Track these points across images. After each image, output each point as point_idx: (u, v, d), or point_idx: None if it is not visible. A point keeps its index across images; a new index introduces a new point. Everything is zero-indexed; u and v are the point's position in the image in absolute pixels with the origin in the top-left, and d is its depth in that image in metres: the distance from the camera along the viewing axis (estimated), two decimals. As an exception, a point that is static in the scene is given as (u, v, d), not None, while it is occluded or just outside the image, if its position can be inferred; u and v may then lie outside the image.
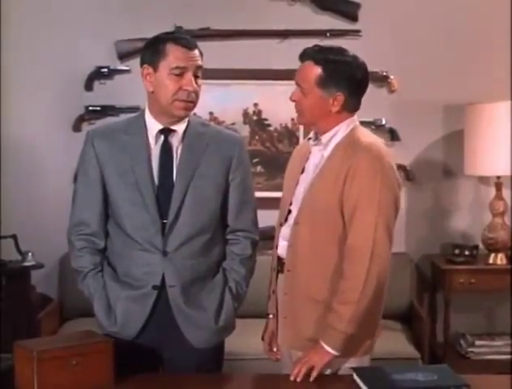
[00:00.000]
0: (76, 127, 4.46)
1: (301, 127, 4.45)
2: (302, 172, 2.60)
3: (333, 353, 2.43)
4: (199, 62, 2.52)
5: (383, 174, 2.44)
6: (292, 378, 2.41)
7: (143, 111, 2.61)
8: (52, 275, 4.43)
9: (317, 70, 2.49)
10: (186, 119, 2.58)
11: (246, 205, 2.67)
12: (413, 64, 4.48)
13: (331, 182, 2.46)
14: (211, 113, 4.45)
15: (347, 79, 2.49)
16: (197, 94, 2.53)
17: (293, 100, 2.55)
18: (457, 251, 4.36)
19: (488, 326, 4.59)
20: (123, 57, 4.44)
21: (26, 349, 2.32)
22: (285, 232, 2.59)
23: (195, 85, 2.50)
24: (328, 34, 4.40)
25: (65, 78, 4.45)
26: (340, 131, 2.53)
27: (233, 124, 4.46)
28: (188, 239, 2.54)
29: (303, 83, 2.51)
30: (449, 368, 2.45)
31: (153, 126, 2.57)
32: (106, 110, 4.45)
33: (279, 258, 2.62)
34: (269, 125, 4.56)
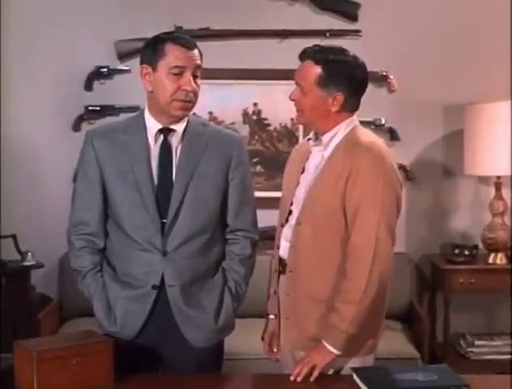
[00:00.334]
0: (76, 127, 4.46)
1: (301, 127, 4.45)
2: (302, 172, 2.60)
3: (335, 353, 2.43)
4: (198, 62, 2.52)
5: (385, 174, 2.44)
6: (292, 378, 2.41)
7: (143, 111, 2.61)
8: (51, 275, 4.43)
9: (317, 70, 2.49)
10: (186, 119, 2.58)
11: (246, 205, 2.67)
12: (413, 64, 4.48)
13: (333, 183, 2.46)
14: (210, 113, 4.45)
15: (346, 78, 2.49)
16: (195, 94, 2.52)
17: (293, 100, 2.55)
18: (457, 251, 4.36)
19: (488, 326, 4.59)
20: (123, 57, 4.43)
21: (26, 349, 2.32)
22: (287, 232, 2.59)
23: (194, 85, 2.50)
24: (328, 34, 4.40)
25: (65, 78, 4.45)
26: (340, 131, 2.53)
27: (233, 124, 4.46)
28: (187, 239, 2.54)
29: (303, 83, 2.51)
30: (449, 368, 2.45)
31: (152, 125, 2.57)
32: (106, 110, 4.45)
33: (281, 259, 2.62)
34: (269, 124, 4.56)
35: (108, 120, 4.20)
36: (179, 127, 2.57)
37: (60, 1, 4.45)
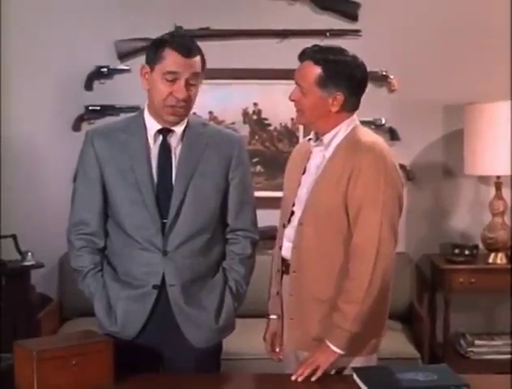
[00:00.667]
0: (76, 127, 4.46)
1: (301, 127, 4.45)
2: (303, 172, 2.60)
3: (338, 352, 2.43)
4: (196, 70, 2.50)
5: (387, 173, 2.45)
6: (293, 378, 2.41)
7: (142, 110, 2.61)
8: (52, 275, 4.43)
9: (317, 70, 2.49)
10: (186, 119, 2.58)
11: (246, 204, 2.67)
12: (413, 64, 4.48)
13: (334, 183, 2.46)
14: (210, 113, 4.45)
15: (346, 78, 2.49)
16: (188, 101, 2.51)
17: (292, 100, 2.56)
18: (457, 251, 4.36)
19: (488, 325, 4.59)
20: (123, 56, 4.44)
21: (26, 349, 2.32)
22: (289, 233, 2.59)
23: (186, 93, 2.49)
24: (328, 34, 4.40)
25: (65, 78, 4.46)
26: (341, 131, 2.54)
27: (233, 123, 4.46)
28: (188, 238, 2.54)
29: (302, 83, 2.51)
30: (449, 368, 2.45)
31: (152, 125, 2.57)
32: (106, 110, 4.45)
33: (283, 260, 2.62)
34: (269, 124, 4.56)
35: (109, 120, 4.20)
36: (178, 128, 2.57)
37: (60, 1, 4.45)
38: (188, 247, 2.55)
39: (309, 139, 2.62)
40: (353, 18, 4.46)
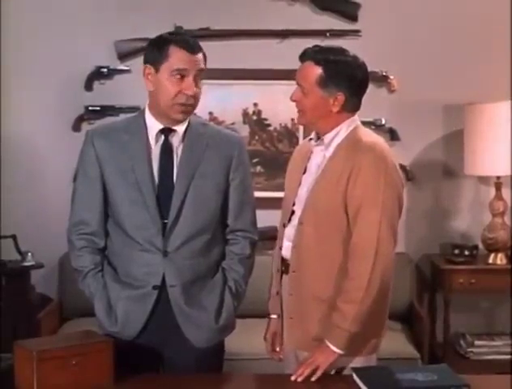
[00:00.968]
0: (76, 127, 4.46)
1: (301, 127, 4.45)
2: (304, 172, 2.61)
3: (338, 352, 2.43)
4: (201, 66, 2.51)
5: (387, 173, 2.45)
6: (293, 378, 2.41)
7: (143, 110, 2.61)
8: (51, 275, 4.43)
9: (318, 70, 2.49)
10: (187, 119, 2.58)
11: (246, 205, 2.67)
12: (413, 64, 4.48)
13: (334, 182, 2.47)
14: (210, 113, 4.45)
15: (347, 79, 2.49)
16: (196, 98, 2.52)
17: (294, 100, 2.56)
18: (457, 251, 4.36)
19: (488, 326, 4.59)
20: (123, 57, 4.43)
21: (26, 349, 2.32)
22: (289, 232, 2.59)
23: (195, 89, 2.49)
24: (328, 34, 4.40)
25: (65, 78, 4.45)
26: (342, 131, 2.54)
27: (233, 124, 4.46)
28: (188, 239, 2.54)
29: (303, 83, 2.52)
30: (449, 368, 2.44)
31: (153, 125, 2.57)
32: (106, 110, 4.45)
33: (283, 260, 2.62)
34: (269, 125, 4.56)
35: (108, 120, 4.19)
36: (180, 128, 2.57)
37: (60, 1, 4.45)
38: (188, 248, 2.54)
39: (310, 139, 2.62)
40: (353, 18, 4.47)
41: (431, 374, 2.36)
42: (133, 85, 4.21)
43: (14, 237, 4.15)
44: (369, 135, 2.56)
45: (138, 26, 4.30)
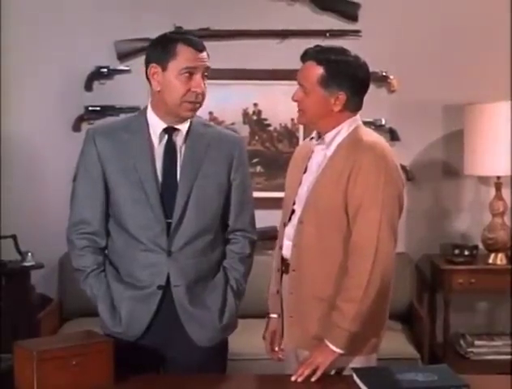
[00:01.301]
0: (76, 127, 4.46)
1: (301, 127, 4.45)
2: (305, 171, 2.61)
3: (338, 352, 2.43)
4: (208, 64, 2.52)
5: (387, 173, 2.45)
6: (293, 379, 2.41)
7: (145, 110, 2.60)
8: (51, 276, 4.43)
9: (319, 70, 2.49)
10: (189, 119, 2.58)
11: (245, 205, 2.68)
12: (413, 64, 4.48)
13: (335, 181, 2.47)
14: (210, 113, 4.44)
15: (348, 78, 2.49)
16: (204, 95, 2.52)
17: (295, 100, 2.56)
18: (457, 251, 4.36)
19: (488, 326, 4.59)
20: (123, 57, 4.43)
21: (26, 349, 2.32)
22: (289, 231, 2.59)
23: (203, 86, 2.50)
24: (328, 34, 4.40)
25: (65, 78, 4.46)
26: (343, 130, 2.54)
27: (233, 124, 4.45)
28: (192, 239, 2.54)
29: (305, 83, 2.52)
30: (449, 368, 2.44)
31: (157, 124, 2.56)
32: (106, 110, 4.44)
33: (283, 259, 2.62)
34: (269, 125, 4.56)
35: (108, 120, 4.20)
36: (183, 127, 2.57)
37: (60, 1, 4.45)
38: (192, 247, 2.55)
39: (311, 138, 2.62)
40: (353, 18, 4.47)
41: (431, 374, 2.36)
42: (133, 85, 4.22)
43: (14, 237, 4.15)
44: (370, 135, 2.57)
45: (138, 26, 4.30)
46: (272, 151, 4.57)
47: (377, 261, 2.42)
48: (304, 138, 4.20)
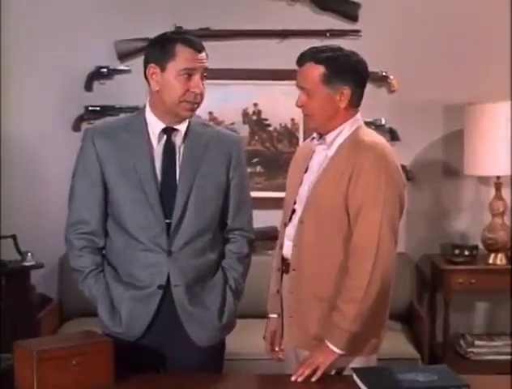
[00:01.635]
0: (76, 127, 4.46)
1: (301, 127, 4.45)
2: (306, 171, 2.61)
3: (338, 352, 2.43)
4: (206, 64, 2.52)
5: (388, 173, 2.45)
6: (293, 379, 2.41)
7: (143, 109, 2.60)
8: (51, 275, 4.43)
9: (320, 69, 2.49)
10: (188, 119, 2.58)
11: (243, 205, 2.68)
12: (413, 64, 4.48)
13: (336, 181, 2.47)
14: (210, 113, 4.44)
15: (350, 72, 2.49)
16: (202, 95, 2.52)
17: (299, 106, 2.55)
18: (457, 251, 4.36)
19: (488, 326, 4.59)
20: (123, 57, 4.43)
21: (26, 349, 2.32)
22: (290, 231, 2.59)
23: (202, 87, 2.50)
24: (328, 34, 4.40)
25: (65, 78, 4.46)
26: (344, 130, 2.54)
27: (233, 124, 4.45)
28: (192, 238, 2.55)
29: (307, 85, 2.51)
30: (448, 368, 2.44)
31: (155, 124, 2.56)
32: (106, 110, 4.44)
33: (284, 259, 2.62)
34: (269, 125, 4.56)
35: (107, 119, 4.19)
36: (182, 127, 2.57)
37: (60, 1, 4.45)
38: (191, 247, 2.55)
39: (313, 138, 2.62)
40: (353, 18, 4.47)
41: (431, 374, 2.36)
42: (133, 85, 4.22)
43: (14, 237, 4.15)
44: (371, 135, 2.56)
45: (138, 26, 4.30)
46: (272, 151, 4.56)
47: (378, 261, 2.42)
48: (304, 139, 4.20)
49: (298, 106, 2.55)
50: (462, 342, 4.38)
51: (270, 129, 4.55)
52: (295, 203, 2.60)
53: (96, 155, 2.56)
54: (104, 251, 2.63)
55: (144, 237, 2.52)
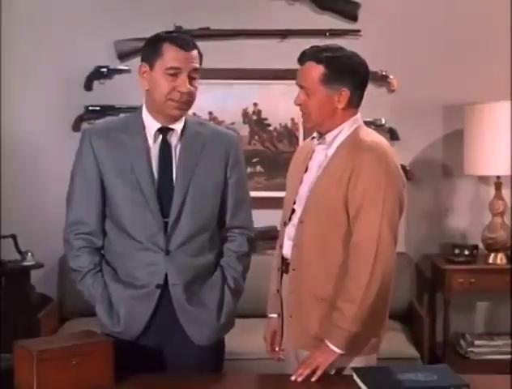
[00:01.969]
0: (76, 127, 4.45)
1: (301, 127, 4.45)
2: (306, 171, 2.61)
3: (338, 352, 2.43)
4: (195, 65, 2.51)
5: (388, 173, 2.45)
6: (292, 379, 2.41)
7: (140, 110, 2.61)
8: (51, 275, 4.42)
9: (320, 69, 2.49)
10: (183, 118, 2.58)
11: (242, 203, 2.68)
12: (413, 64, 4.48)
13: (335, 181, 2.47)
14: (210, 113, 4.44)
15: (350, 73, 2.49)
16: (191, 95, 2.52)
17: (298, 104, 2.55)
18: (457, 251, 4.36)
19: (488, 326, 4.59)
20: (123, 56, 4.44)
21: (26, 349, 2.32)
22: (289, 231, 2.59)
23: (189, 87, 2.49)
24: (328, 34, 4.40)
25: (64, 77, 4.46)
26: (344, 130, 2.54)
27: (233, 124, 4.46)
28: (189, 237, 2.55)
29: (307, 84, 2.51)
30: (448, 368, 2.45)
31: (151, 124, 2.57)
32: (106, 110, 4.44)
33: (284, 258, 2.62)
34: (268, 124, 4.56)
35: (106, 120, 4.19)
36: (177, 126, 2.57)
37: (60, 1, 4.45)
38: (189, 246, 2.55)
39: (313, 138, 2.62)
40: (353, 18, 4.47)
41: (431, 374, 2.36)
42: (133, 85, 4.15)
43: (14, 236, 4.15)
44: (371, 135, 2.56)
45: (138, 26, 4.29)
46: (272, 151, 4.56)
47: (378, 261, 2.42)
48: (304, 138, 4.20)
49: (296, 104, 2.56)
50: (462, 342, 4.38)
51: (270, 129, 4.55)
52: (294, 202, 2.60)
53: (94, 155, 2.56)
54: (102, 251, 2.63)
55: (142, 236, 2.53)
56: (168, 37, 2.50)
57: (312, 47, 2.56)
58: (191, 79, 2.50)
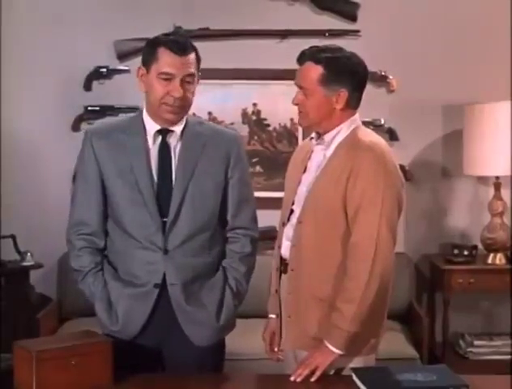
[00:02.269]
0: (75, 127, 4.46)
1: (300, 127, 4.45)
2: (304, 171, 2.61)
3: (337, 352, 2.43)
4: (191, 70, 2.51)
5: (386, 174, 2.45)
6: (292, 379, 2.41)
7: (141, 111, 2.62)
8: (51, 275, 4.42)
9: (319, 70, 2.49)
10: (184, 119, 2.58)
11: (245, 202, 2.68)
12: (412, 64, 4.48)
13: (334, 181, 2.47)
14: (210, 113, 4.45)
15: (349, 74, 2.50)
16: (185, 100, 2.52)
17: (296, 104, 2.55)
18: (456, 251, 4.36)
19: (487, 326, 4.59)
20: (122, 57, 4.44)
21: (25, 349, 2.32)
22: (288, 231, 2.59)
23: (182, 92, 2.49)
24: (327, 34, 4.40)
25: (64, 78, 4.46)
26: (343, 130, 2.54)
27: (232, 124, 4.46)
28: (188, 237, 2.55)
29: (305, 84, 2.51)
30: (448, 368, 2.45)
31: (151, 126, 2.58)
32: (105, 110, 4.44)
33: (282, 259, 2.62)
34: (268, 125, 4.56)
35: (107, 120, 4.19)
36: (177, 128, 2.58)
37: (60, 1, 4.45)
38: (188, 246, 2.55)
39: (311, 138, 2.62)
40: (353, 18, 4.47)
41: (430, 374, 2.36)
42: (132, 85, 4.13)
43: (13, 237, 4.15)
44: (370, 135, 2.56)
45: (138, 26, 4.30)
46: (271, 151, 4.57)
47: (377, 262, 2.42)
48: (303, 138, 4.20)
49: (294, 104, 2.56)
50: (461, 342, 4.38)
51: (270, 129, 4.56)
52: (293, 203, 2.60)
53: (95, 156, 2.58)
54: (105, 252, 2.64)
55: (140, 235, 2.54)
56: (164, 41, 2.50)
57: (311, 47, 2.56)
58: (185, 83, 2.50)
